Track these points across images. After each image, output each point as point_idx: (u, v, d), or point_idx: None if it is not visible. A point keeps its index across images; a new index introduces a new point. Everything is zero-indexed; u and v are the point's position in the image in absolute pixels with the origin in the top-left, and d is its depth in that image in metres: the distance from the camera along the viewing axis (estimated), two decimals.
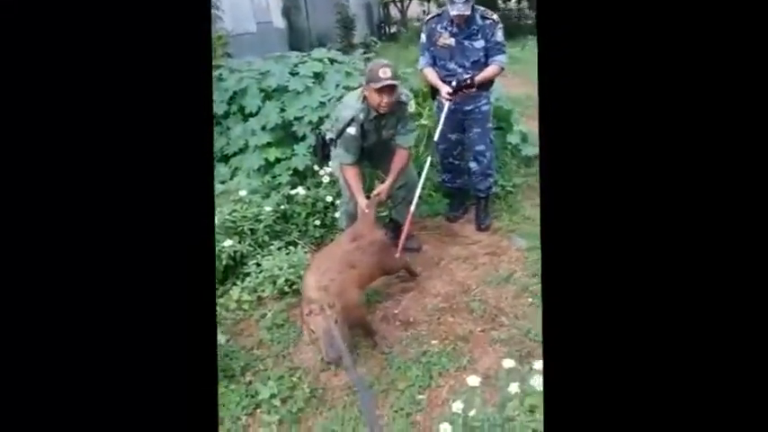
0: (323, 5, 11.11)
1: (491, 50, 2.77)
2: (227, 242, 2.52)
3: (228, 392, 1.87)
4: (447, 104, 2.75)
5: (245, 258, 2.56)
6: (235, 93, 3.50)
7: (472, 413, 1.38)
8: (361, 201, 2.44)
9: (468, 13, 2.66)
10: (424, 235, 2.99)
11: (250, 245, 2.61)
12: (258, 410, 1.82)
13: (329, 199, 2.91)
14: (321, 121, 3.21)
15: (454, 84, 2.73)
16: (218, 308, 2.28)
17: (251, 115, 3.45)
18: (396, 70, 2.33)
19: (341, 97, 2.95)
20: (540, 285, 2.39)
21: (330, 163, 2.80)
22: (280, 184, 3.17)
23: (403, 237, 2.52)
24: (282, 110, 3.41)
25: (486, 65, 2.78)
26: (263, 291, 2.42)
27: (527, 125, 3.95)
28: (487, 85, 2.84)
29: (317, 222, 2.88)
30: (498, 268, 2.62)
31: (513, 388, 1.37)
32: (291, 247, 2.62)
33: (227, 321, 2.27)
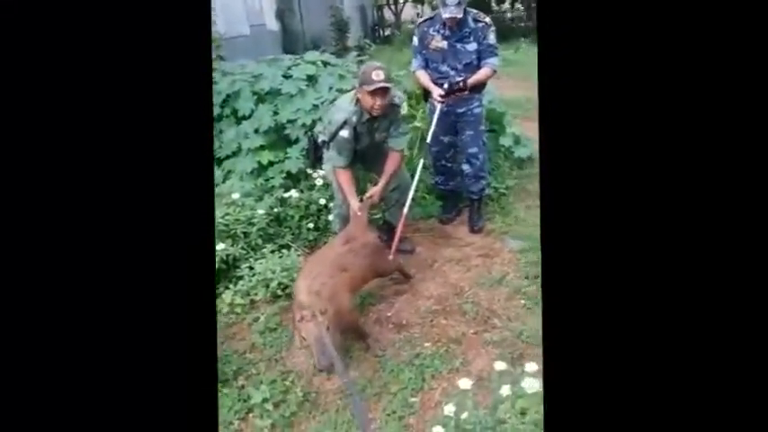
0: (317, 8, 11.11)
1: (483, 53, 2.78)
2: (220, 245, 2.52)
3: (221, 397, 1.86)
4: (439, 107, 2.75)
5: (237, 262, 2.56)
6: (228, 96, 3.49)
7: (464, 416, 1.38)
8: (354, 203, 2.44)
9: (461, 15, 2.67)
10: (418, 237, 2.99)
11: (243, 248, 2.61)
12: (251, 415, 1.81)
13: (322, 202, 2.91)
14: (314, 123, 3.21)
15: (446, 86, 2.73)
16: None
17: (244, 118, 3.44)
18: (389, 73, 2.34)
19: (334, 100, 2.94)
20: (532, 287, 2.40)
21: (323, 166, 2.79)
22: (273, 187, 3.16)
23: (396, 239, 2.52)
24: (275, 113, 3.40)
25: (478, 67, 2.78)
26: (256, 294, 2.41)
27: (520, 127, 3.96)
28: (480, 87, 2.85)
29: (311, 225, 2.87)
30: (491, 270, 2.62)
31: (505, 390, 1.37)
32: (284, 251, 2.62)
33: (219, 325, 2.25)
